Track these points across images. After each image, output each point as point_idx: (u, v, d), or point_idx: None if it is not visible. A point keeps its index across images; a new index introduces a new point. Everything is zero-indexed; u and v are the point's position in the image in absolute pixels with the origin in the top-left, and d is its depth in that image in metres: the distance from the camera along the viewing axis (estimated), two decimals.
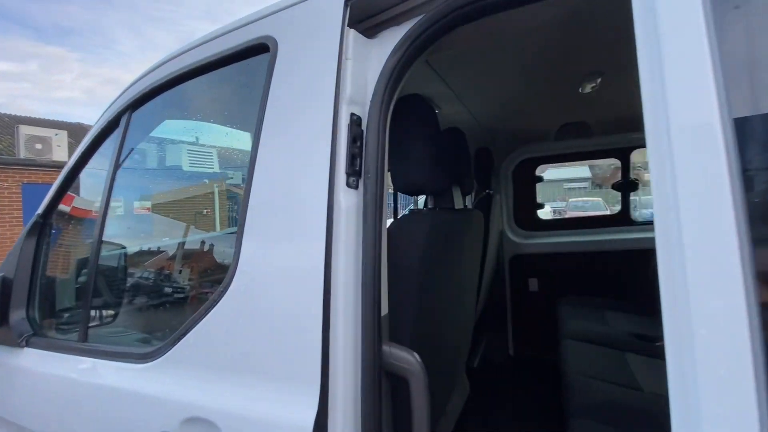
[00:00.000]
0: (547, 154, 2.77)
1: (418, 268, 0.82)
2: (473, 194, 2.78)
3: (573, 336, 1.85)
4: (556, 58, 1.32)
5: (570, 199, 16.27)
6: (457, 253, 1.08)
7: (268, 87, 0.75)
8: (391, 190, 2.28)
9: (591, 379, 1.40)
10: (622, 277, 2.55)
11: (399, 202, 2.95)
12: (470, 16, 0.65)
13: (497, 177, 2.80)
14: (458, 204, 1.27)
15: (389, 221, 0.77)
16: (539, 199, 2.87)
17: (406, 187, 0.97)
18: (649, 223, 2.58)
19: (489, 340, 2.62)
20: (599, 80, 1.44)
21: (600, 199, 14.59)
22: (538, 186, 2.86)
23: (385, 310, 0.68)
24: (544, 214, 2.88)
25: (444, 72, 1.38)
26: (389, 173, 0.81)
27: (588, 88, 1.54)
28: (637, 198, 2.62)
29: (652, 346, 1.75)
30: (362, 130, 0.68)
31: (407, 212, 1.12)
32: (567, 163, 2.88)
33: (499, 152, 2.78)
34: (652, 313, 2.33)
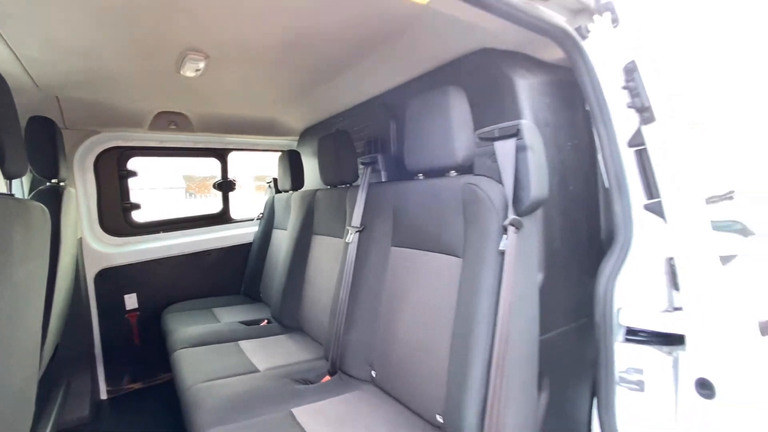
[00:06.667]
0: (140, 145, 2.39)
1: None
2: (30, 183, 1.92)
3: (184, 345, 1.69)
4: (152, 24, 1.11)
5: None
6: None
7: None
8: None
9: (211, 381, 1.33)
10: (226, 272, 2.67)
11: None
12: None
13: (70, 165, 2.09)
14: None
15: None
16: (135, 199, 2.44)
17: None
18: (246, 220, 2.87)
19: (67, 389, 1.89)
20: (203, 65, 1.37)
21: None
22: (132, 182, 2.42)
23: None
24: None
25: None
26: None
27: (190, 71, 1.43)
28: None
29: (257, 328, 1.94)
30: None
31: None
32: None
33: (73, 133, 2.08)
34: (254, 299, 2.63)
